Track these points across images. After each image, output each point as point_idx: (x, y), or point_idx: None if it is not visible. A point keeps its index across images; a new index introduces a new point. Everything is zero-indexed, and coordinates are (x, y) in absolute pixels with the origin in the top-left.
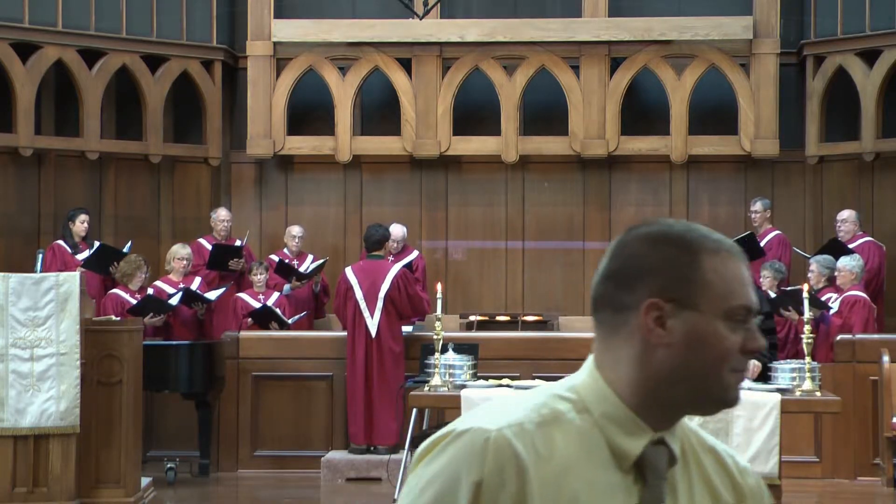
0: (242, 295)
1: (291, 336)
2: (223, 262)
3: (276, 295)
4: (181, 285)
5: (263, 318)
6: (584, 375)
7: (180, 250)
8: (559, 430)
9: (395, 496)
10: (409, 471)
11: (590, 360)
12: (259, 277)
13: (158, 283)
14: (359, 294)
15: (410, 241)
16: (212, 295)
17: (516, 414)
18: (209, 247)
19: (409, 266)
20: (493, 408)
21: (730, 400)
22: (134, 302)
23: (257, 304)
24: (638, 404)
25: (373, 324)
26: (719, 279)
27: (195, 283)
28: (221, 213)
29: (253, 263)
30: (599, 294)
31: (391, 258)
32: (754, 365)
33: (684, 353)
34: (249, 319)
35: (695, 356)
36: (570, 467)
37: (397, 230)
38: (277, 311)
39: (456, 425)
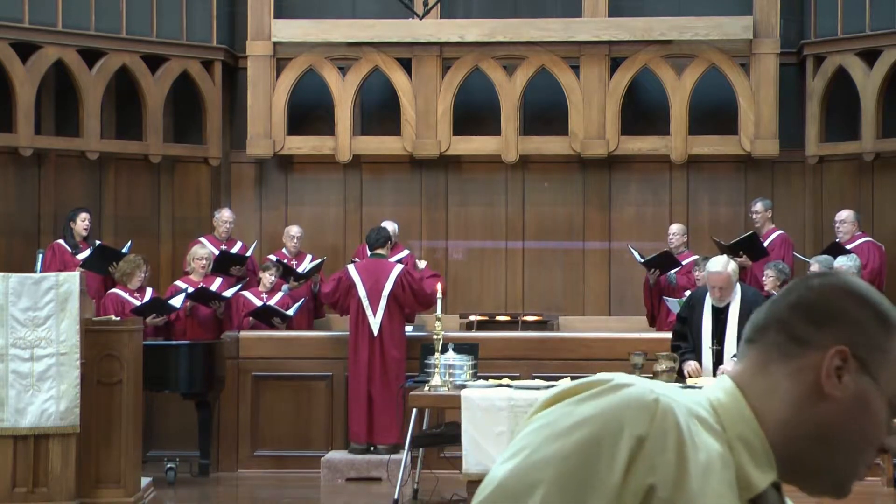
0: (245, 293)
1: (291, 336)
2: (226, 269)
3: (279, 294)
4: (186, 287)
5: (264, 315)
6: (723, 395)
7: (199, 251)
8: (706, 430)
9: (395, 496)
10: (539, 407)
11: (729, 383)
12: (269, 277)
13: (178, 283)
14: (362, 292)
15: (411, 240)
16: (228, 293)
17: (672, 393)
18: (210, 246)
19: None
20: (639, 379)
21: (844, 492)
22: (134, 301)
23: (259, 302)
24: (776, 443)
25: (375, 322)
26: None
27: (215, 284)
28: (225, 214)
29: (268, 262)
30: (780, 317)
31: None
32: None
33: (845, 415)
34: (250, 318)
35: (853, 423)
36: (714, 470)
37: (389, 228)
38: (277, 307)
39: (610, 376)
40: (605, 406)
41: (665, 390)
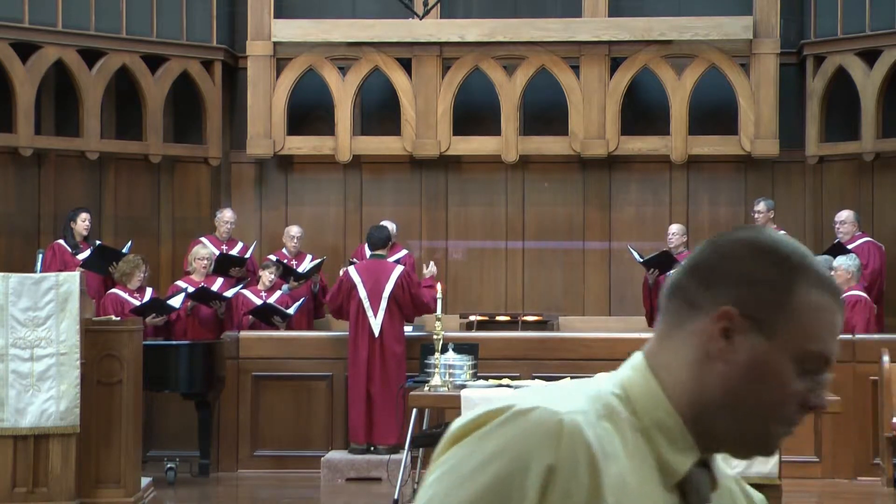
0: (245, 291)
1: (291, 336)
2: (225, 270)
3: (277, 293)
4: (185, 287)
5: (264, 314)
6: (633, 373)
7: (201, 251)
8: (615, 428)
9: (395, 496)
10: (443, 447)
11: (639, 357)
12: (269, 276)
13: (179, 282)
14: (363, 293)
15: (411, 240)
16: (229, 293)
17: (579, 401)
18: (210, 246)
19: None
20: (549, 391)
21: (767, 451)
22: (134, 301)
23: (258, 301)
24: (689, 419)
25: (376, 323)
26: (809, 317)
27: (216, 284)
28: (227, 214)
29: (268, 261)
30: (678, 282)
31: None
32: None
33: (740, 379)
34: (249, 317)
35: (750, 388)
36: (629, 473)
37: (388, 228)
38: (277, 306)
39: (511, 402)
40: (507, 440)
41: (570, 400)
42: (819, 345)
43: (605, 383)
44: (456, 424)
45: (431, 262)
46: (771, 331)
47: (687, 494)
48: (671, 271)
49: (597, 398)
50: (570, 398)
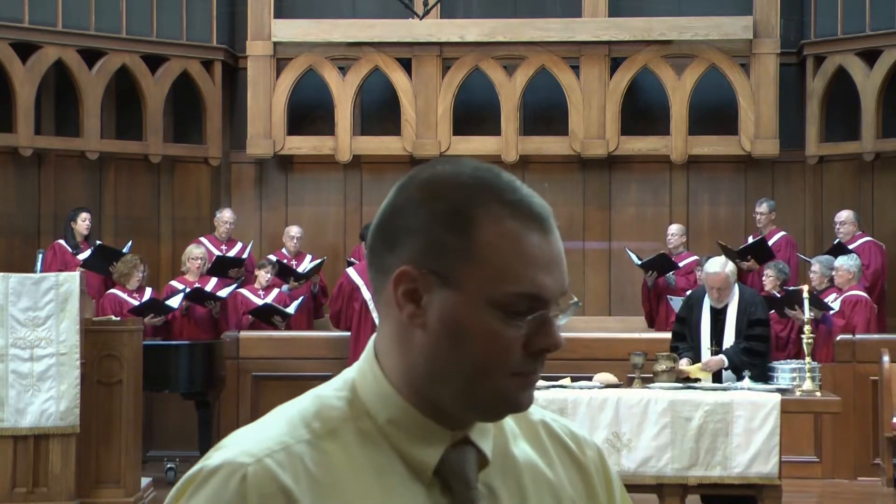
0: (243, 291)
1: (291, 336)
2: (224, 272)
3: (276, 291)
4: (184, 287)
5: (265, 314)
6: (363, 365)
7: (195, 250)
8: (337, 446)
9: None
10: None
11: (369, 344)
12: (265, 275)
13: (174, 282)
14: (367, 294)
15: None
16: (224, 292)
17: (279, 433)
18: (210, 246)
19: None
20: (255, 428)
21: (511, 406)
22: (133, 302)
23: (258, 301)
24: (419, 402)
25: None
26: (496, 253)
27: (210, 284)
28: (226, 215)
29: (264, 260)
30: (371, 246)
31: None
32: (714, 359)
33: (441, 344)
34: (249, 317)
35: (456, 351)
36: (358, 490)
37: None
38: (278, 305)
39: (208, 459)
40: None
41: (268, 435)
42: (518, 284)
43: (327, 388)
44: (170, 494)
45: None
46: (457, 281)
47: (448, 482)
48: (670, 273)
49: (312, 417)
50: (272, 431)
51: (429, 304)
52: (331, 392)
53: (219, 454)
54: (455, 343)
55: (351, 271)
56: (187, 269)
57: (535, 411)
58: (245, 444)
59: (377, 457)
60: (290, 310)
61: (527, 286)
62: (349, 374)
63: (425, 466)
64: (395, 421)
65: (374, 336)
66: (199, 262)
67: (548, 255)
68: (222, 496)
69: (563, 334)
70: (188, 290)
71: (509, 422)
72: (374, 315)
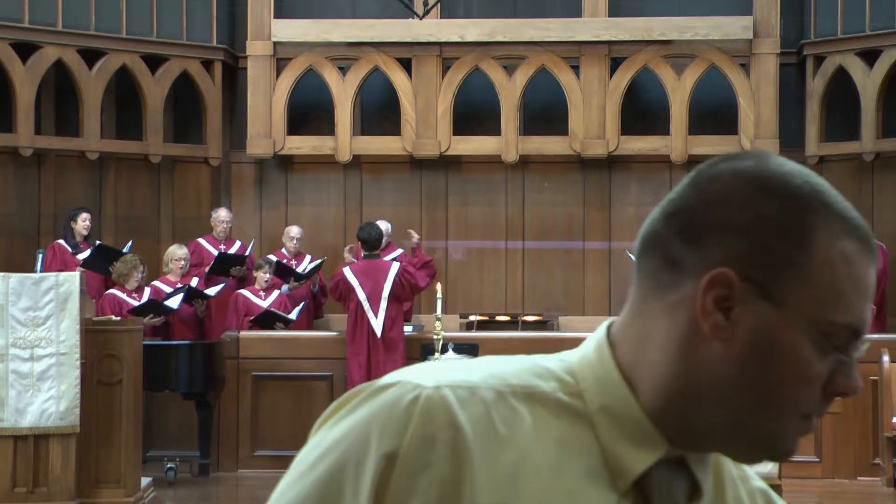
0: (244, 292)
1: (291, 336)
2: (226, 270)
3: (276, 293)
4: (179, 285)
5: (266, 321)
6: (589, 349)
7: (177, 251)
8: (532, 410)
9: None
10: (311, 433)
11: (601, 330)
12: (264, 276)
13: (157, 283)
14: (362, 295)
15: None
16: (211, 291)
17: (471, 375)
18: (208, 246)
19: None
20: (447, 365)
21: (775, 451)
22: (132, 302)
23: (258, 301)
24: (659, 408)
25: (377, 324)
26: (831, 273)
27: (193, 283)
28: (222, 214)
29: (260, 260)
30: (654, 232)
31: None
32: None
33: (742, 363)
34: (249, 320)
35: (756, 373)
36: (538, 463)
37: (381, 227)
38: (280, 312)
39: (386, 378)
40: (354, 423)
41: (460, 374)
42: (847, 312)
43: (551, 359)
44: (331, 407)
45: (411, 232)
46: (781, 297)
47: (649, 500)
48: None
49: (517, 374)
50: (468, 370)
51: (740, 317)
52: (543, 360)
53: (395, 374)
54: (761, 367)
55: (346, 271)
56: (169, 270)
57: (753, 476)
58: (429, 371)
59: (574, 439)
60: (293, 315)
61: (854, 317)
62: (574, 353)
63: (628, 472)
64: (610, 409)
65: (610, 320)
66: (182, 262)
67: (872, 286)
68: (388, 412)
69: (564, 334)
70: (185, 286)
71: (731, 469)
72: (370, 315)
